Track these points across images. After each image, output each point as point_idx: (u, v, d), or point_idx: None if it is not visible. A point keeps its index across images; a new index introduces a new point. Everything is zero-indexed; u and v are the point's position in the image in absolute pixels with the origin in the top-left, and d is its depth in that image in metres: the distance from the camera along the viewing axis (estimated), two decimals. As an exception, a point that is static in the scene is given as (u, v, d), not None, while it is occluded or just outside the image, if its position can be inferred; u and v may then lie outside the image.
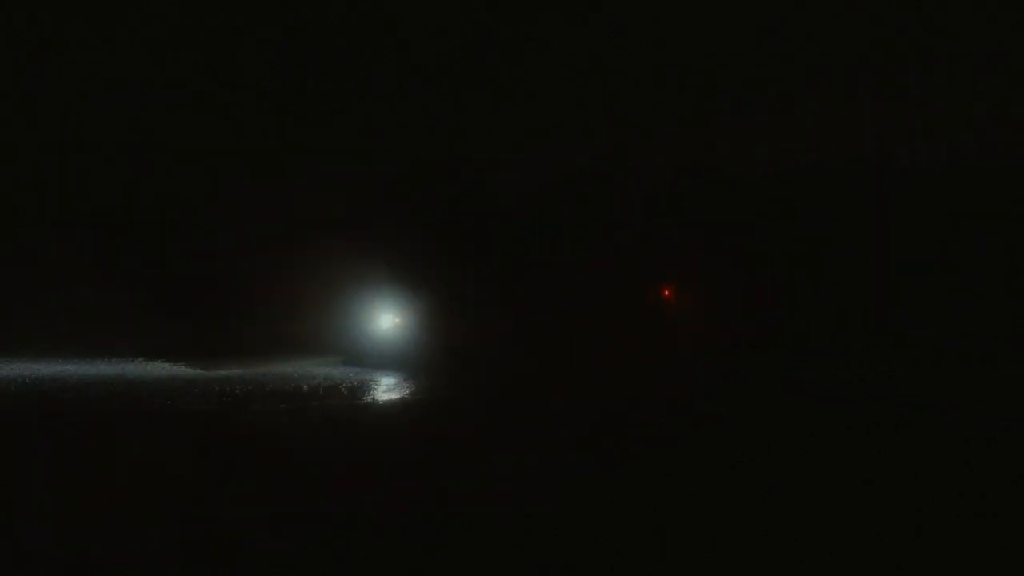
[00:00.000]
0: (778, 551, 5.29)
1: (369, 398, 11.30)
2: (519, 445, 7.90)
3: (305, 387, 12.21)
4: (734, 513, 5.91)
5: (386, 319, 16.65)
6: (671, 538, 5.44)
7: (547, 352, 14.45)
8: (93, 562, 5.31)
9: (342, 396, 11.43)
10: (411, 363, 14.91)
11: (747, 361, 12.62)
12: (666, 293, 17.79)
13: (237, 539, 5.65)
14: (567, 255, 17.91)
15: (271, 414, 10.04)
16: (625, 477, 6.71)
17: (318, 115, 20.03)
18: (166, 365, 14.94)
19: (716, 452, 7.58)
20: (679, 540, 5.43)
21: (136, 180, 18.02)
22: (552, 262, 17.81)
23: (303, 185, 18.13)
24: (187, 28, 20.71)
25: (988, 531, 5.65)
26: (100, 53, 19.65)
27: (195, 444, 8.67)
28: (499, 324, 16.02)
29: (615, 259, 17.98)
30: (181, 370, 14.53)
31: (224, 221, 17.87)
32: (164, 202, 17.90)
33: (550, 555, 5.15)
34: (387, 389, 12.13)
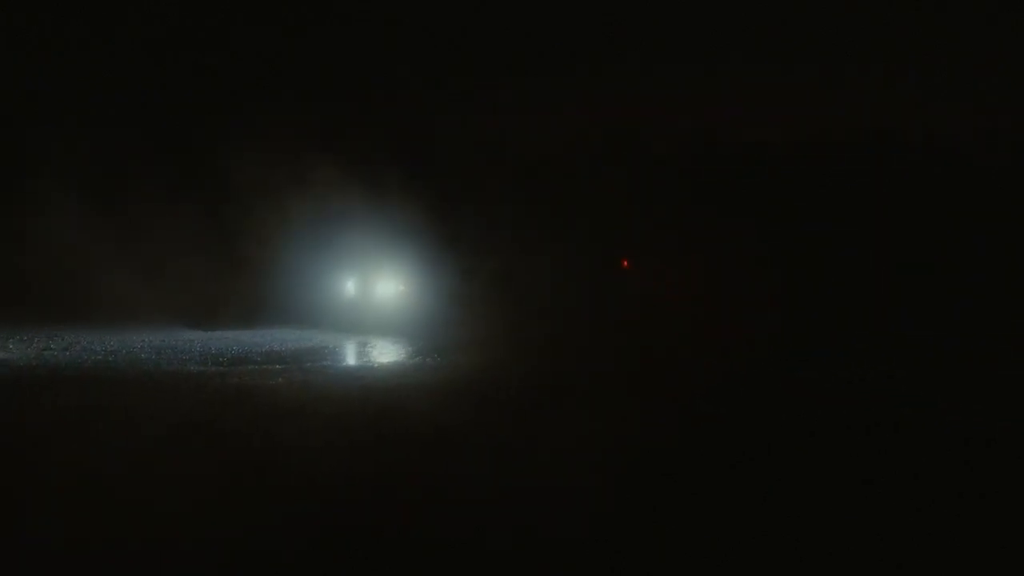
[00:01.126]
0: (778, 551, 5.29)
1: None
2: (514, 439, 7.89)
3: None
4: (734, 513, 5.91)
5: (386, 285, 16.61)
6: (671, 538, 5.44)
7: (549, 334, 14.38)
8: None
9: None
10: (409, 330, 15.00)
11: (747, 361, 12.59)
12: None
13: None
14: (575, 227, 17.83)
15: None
16: (624, 476, 6.70)
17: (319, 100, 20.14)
18: (161, 329, 15.59)
19: (716, 452, 7.57)
20: (679, 540, 5.42)
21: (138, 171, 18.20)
22: (563, 235, 17.68)
23: (301, 159, 18.16)
24: (185, 28, 20.73)
25: (988, 531, 5.65)
26: (100, 53, 19.67)
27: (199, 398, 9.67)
28: (502, 298, 15.91)
29: (616, 237, 17.89)
30: (178, 333, 15.18)
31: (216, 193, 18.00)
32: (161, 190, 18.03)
33: (547, 555, 5.14)
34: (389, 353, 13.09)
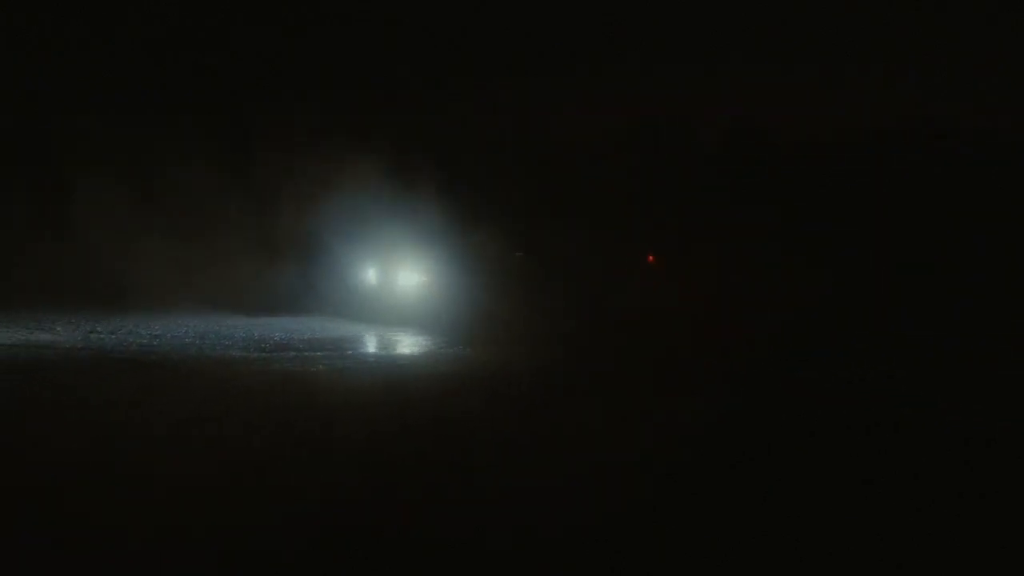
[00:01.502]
0: (778, 551, 5.29)
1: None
2: (519, 436, 7.89)
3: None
4: (734, 513, 5.91)
5: (407, 275, 16.65)
6: (671, 538, 5.44)
7: (567, 332, 14.35)
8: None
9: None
10: (432, 322, 15.09)
11: (747, 361, 12.59)
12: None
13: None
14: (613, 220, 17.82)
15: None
16: (624, 476, 6.70)
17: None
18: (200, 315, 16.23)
19: (716, 452, 7.57)
20: (679, 540, 5.42)
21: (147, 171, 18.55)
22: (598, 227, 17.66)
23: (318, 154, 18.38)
24: (184, 28, 20.75)
25: (988, 531, 5.65)
26: (100, 53, 19.71)
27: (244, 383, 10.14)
28: (525, 292, 15.85)
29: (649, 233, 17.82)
30: (217, 319, 15.79)
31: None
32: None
33: (547, 555, 5.14)
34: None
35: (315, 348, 13.00)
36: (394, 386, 10.43)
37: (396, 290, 16.78)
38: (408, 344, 13.87)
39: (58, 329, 14.03)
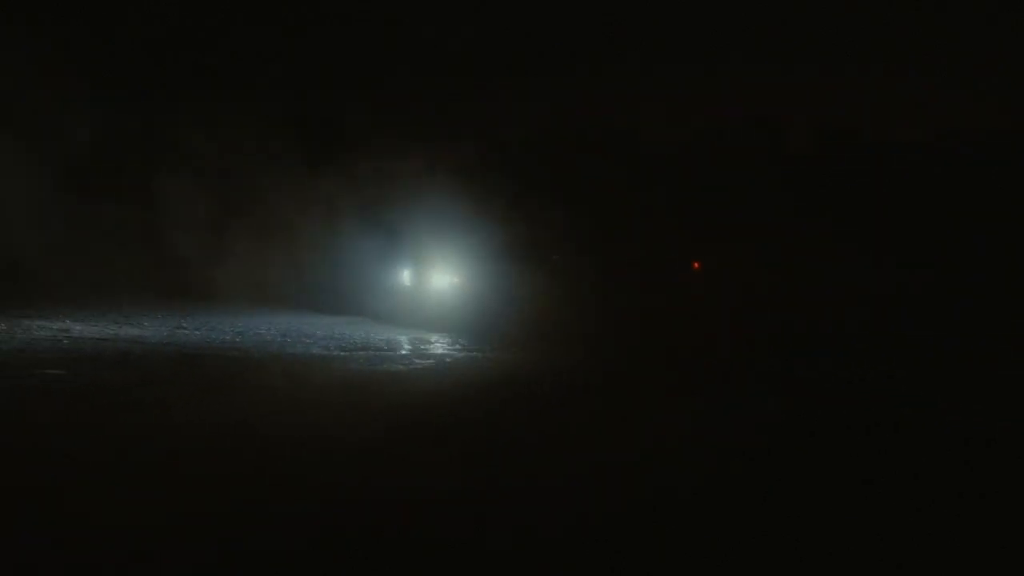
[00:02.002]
0: (778, 551, 5.29)
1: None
2: (515, 438, 7.89)
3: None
4: (734, 513, 5.91)
5: (440, 277, 16.67)
6: (671, 538, 5.44)
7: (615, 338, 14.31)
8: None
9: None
10: (473, 327, 15.14)
11: (747, 361, 12.59)
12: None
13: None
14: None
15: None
16: (623, 476, 6.70)
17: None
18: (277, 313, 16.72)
19: (716, 452, 7.57)
20: (679, 540, 5.42)
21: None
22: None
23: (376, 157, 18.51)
24: (187, 29, 20.80)
25: (988, 531, 5.66)
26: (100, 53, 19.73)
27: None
28: (558, 293, 15.83)
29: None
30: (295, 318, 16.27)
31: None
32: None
33: (546, 556, 5.14)
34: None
35: (382, 348, 13.32)
36: (439, 387, 10.54)
37: (431, 292, 16.79)
38: (447, 347, 13.87)
39: (145, 324, 14.42)
